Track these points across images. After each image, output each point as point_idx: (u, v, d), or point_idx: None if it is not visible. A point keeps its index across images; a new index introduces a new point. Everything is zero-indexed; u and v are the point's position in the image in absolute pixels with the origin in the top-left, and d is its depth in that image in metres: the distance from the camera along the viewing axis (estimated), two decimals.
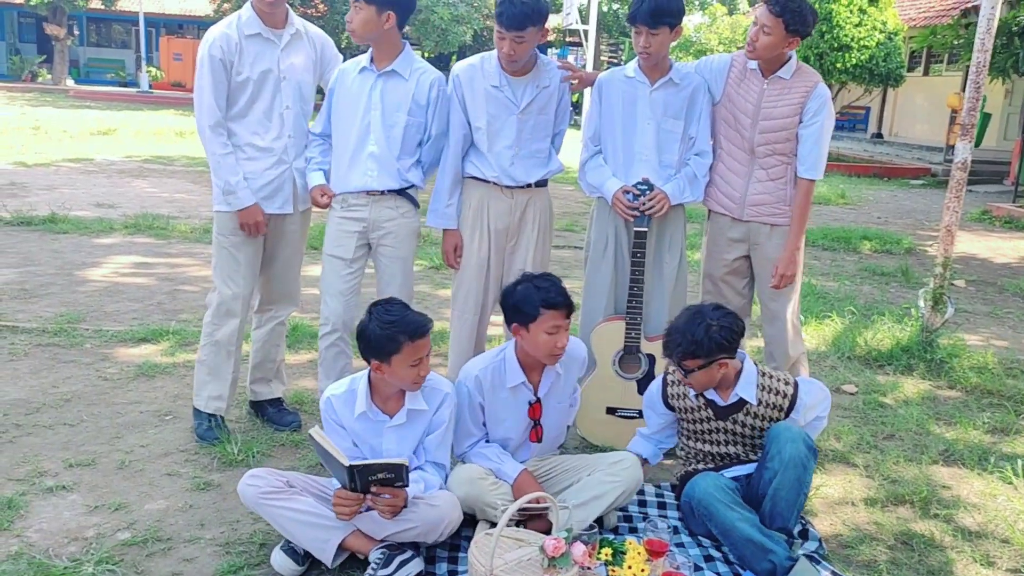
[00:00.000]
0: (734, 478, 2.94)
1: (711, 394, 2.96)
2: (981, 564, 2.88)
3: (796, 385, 2.99)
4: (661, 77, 3.43)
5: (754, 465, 2.96)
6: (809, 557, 2.74)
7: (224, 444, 3.42)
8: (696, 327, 2.82)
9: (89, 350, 4.50)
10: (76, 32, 33.31)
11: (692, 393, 2.97)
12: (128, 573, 2.58)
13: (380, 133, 3.36)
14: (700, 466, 3.06)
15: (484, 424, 3.01)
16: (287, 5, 3.45)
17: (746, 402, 2.94)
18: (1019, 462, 3.57)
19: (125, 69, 32.37)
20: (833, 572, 2.70)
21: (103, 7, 29.86)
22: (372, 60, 3.37)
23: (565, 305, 2.82)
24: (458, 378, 2.99)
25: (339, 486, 2.61)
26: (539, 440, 3.03)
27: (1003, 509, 3.27)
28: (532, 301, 2.81)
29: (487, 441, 3.03)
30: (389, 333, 2.61)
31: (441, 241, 3.59)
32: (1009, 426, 4.09)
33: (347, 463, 2.49)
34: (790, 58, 3.41)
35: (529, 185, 3.48)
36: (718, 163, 3.58)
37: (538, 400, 2.98)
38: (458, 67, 3.47)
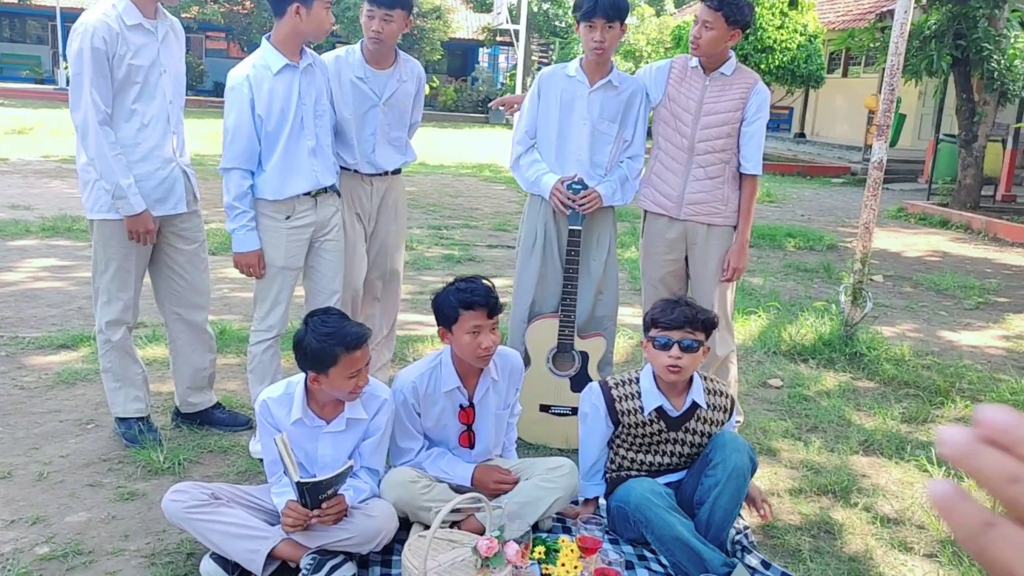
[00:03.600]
0: (667, 484, 2.92)
1: (664, 404, 2.88)
2: (899, 550, 2.99)
3: (732, 402, 3.02)
4: (601, 79, 3.48)
5: (684, 472, 2.95)
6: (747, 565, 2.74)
7: (149, 452, 3.33)
8: (704, 309, 2.88)
9: (4, 358, 4.33)
10: None
11: (645, 408, 2.88)
12: None
13: (312, 127, 3.35)
14: (632, 472, 3.00)
15: (424, 431, 3.00)
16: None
17: (698, 406, 2.89)
18: (934, 450, 3.72)
19: (41, 66, 31.17)
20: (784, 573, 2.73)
21: (17, 1, 28.70)
22: (284, 58, 3.28)
23: (484, 305, 2.79)
24: (394, 385, 2.97)
25: (280, 496, 2.60)
26: (471, 446, 3.02)
27: (919, 496, 3.41)
28: (451, 303, 2.81)
29: (430, 448, 3.02)
30: (325, 346, 2.58)
31: None
32: (924, 415, 4.25)
33: (296, 478, 2.46)
34: (731, 56, 3.50)
35: (387, 173, 3.72)
36: (655, 163, 3.64)
37: (471, 405, 2.97)
38: (325, 58, 3.56)
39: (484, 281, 2.86)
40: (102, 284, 3.35)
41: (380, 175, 3.71)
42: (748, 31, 3.55)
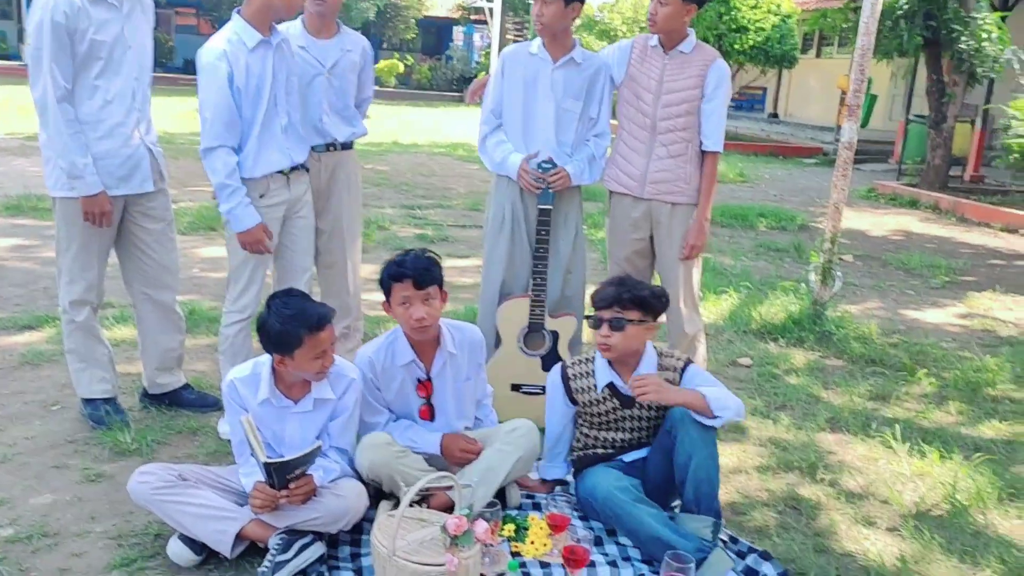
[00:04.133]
0: (631, 463, 2.94)
1: (616, 380, 2.91)
2: (863, 525, 3.04)
3: (688, 361, 2.97)
4: (564, 55, 3.47)
5: (648, 449, 2.95)
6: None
7: (117, 432, 3.29)
8: (641, 286, 2.88)
9: None
10: None
11: (598, 385, 2.92)
12: (12, 571, 2.47)
13: (284, 104, 3.33)
14: (598, 451, 3.01)
15: (387, 404, 3.00)
16: None
17: None
18: (898, 427, 3.78)
19: (6, 40, 30.49)
20: (757, 551, 2.73)
21: None
22: (258, 33, 3.23)
23: (410, 276, 2.77)
24: (354, 361, 2.97)
25: (248, 477, 2.60)
26: (431, 419, 3.02)
27: (883, 472, 3.46)
28: (383, 277, 2.84)
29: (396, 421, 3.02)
30: (289, 328, 2.56)
31: None
32: (889, 393, 4.32)
33: (263, 459, 2.45)
34: (689, 34, 3.51)
35: (337, 147, 3.72)
36: (619, 143, 3.64)
37: (428, 379, 2.97)
38: None
39: (423, 254, 2.83)
40: (65, 263, 3.30)
41: (329, 150, 3.71)
42: (704, 6, 3.57)
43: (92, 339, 3.39)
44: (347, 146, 3.79)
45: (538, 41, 3.53)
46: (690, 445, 2.72)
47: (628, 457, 2.98)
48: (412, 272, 2.78)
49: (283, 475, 2.47)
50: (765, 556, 2.70)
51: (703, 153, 3.57)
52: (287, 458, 2.49)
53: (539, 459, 3.09)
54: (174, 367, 3.63)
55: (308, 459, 2.52)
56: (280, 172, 3.34)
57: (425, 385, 2.97)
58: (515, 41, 27.13)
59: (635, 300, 2.81)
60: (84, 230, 3.24)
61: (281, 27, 3.50)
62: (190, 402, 3.63)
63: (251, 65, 3.20)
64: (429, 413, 3.01)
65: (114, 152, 3.19)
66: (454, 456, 2.90)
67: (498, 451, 2.89)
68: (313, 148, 3.65)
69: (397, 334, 2.96)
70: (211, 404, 3.61)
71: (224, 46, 3.17)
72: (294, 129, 3.39)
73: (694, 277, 3.70)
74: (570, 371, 3.00)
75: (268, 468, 2.45)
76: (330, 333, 2.65)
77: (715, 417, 2.71)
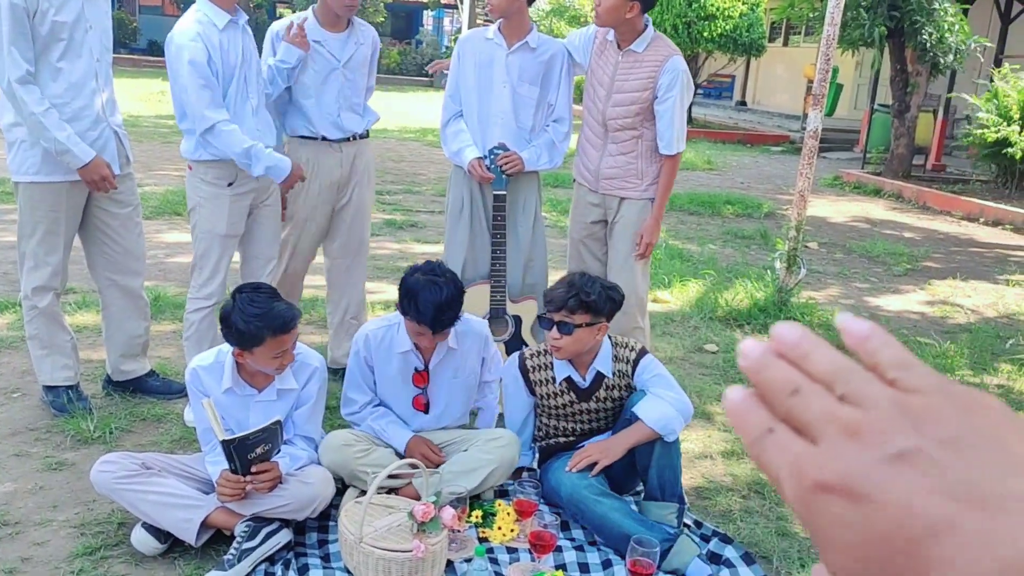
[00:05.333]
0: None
1: (572, 374, 2.91)
2: None
3: (641, 352, 2.96)
4: (519, 40, 3.46)
5: (609, 434, 2.96)
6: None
7: (80, 420, 3.25)
8: (591, 285, 2.81)
9: None
10: None
11: (557, 379, 2.93)
12: None
13: (254, 85, 3.31)
14: (560, 439, 3.03)
15: (375, 385, 2.99)
16: None
17: (604, 376, 2.91)
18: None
19: None
20: (720, 534, 2.78)
21: None
22: (226, 14, 3.20)
23: (428, 326, 2.76)
24: (356, 335, 2.98)
25: (213, 465, 2.59)
26: (425, 411, 3.01)
27: None
28: (401, 304, 2.81)
29: (377, 406, 3.01)
30: (253, 328, 2.53)
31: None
32: None
33: (222, 438, 2.43)
34: (645, 28, 3.39)
35: (355, 137, 3.67)
36: (582, 134, 3.64)
37: (426, 369, 2.96)
38: (277, 25, 3.54)
39: (444, 297, 2.71)
40: (29, 249, 3.24)
41: (348, 140, 3.66)
42: (650, 8, 3.36)
43: (55, 326, 3.34)
44: (364, 135, 3.75)
45: (494, 26, 3.51)
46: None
47: (590, 443, 3.00)
48: (430, 324, 2.73)
49: (243, 454, 2.45)
50: (726, 539, 2.75)
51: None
52: (244, 433, 2.47)
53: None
54: (139, 354, 3.59)
55: (267, 436, 2.48)
56: None
57: (422, 375, 2.96)
58: (484, 26, 27.03)
59: (583, 305, 2.77)
60: (48, 215, 3.18)
61: (293, 18, 3.49)
62: (155, 389, 3.59)
63: (223, 45, 3.19)
64: (424, 404, 3.00)
65: (80, 135, 3.12)
66: (414, 459, 2.87)
67: (477, 458, 2.85)
68: (332, 139, 3.61)
69: (401, 321, 2.91)
70: (176, 391, 3.58)
71: (196, 28, 3.15)
72: (262, 111, 3.36)
73: (639, 277, 3.59)
74: (529, 363, 2.99)
75: (228, 447, 2.43)
76: (294, 334, 2.63)
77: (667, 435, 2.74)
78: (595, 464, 2.80)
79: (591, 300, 2.77)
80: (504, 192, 3.46)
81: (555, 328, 2.81)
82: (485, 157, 3.44)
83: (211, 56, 3.15)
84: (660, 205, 3.56)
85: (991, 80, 10.82)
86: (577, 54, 3.59)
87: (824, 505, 0.34)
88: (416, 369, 2.95)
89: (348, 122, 3.64)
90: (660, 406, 2.77)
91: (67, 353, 3.38)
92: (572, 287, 2.81)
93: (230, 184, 3.28)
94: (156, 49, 25.28)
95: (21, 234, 3.25)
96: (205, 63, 3.13)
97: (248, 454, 2.46)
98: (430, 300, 2.67)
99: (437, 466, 2.85)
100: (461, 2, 21.22)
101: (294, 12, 28.79)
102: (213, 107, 3.15)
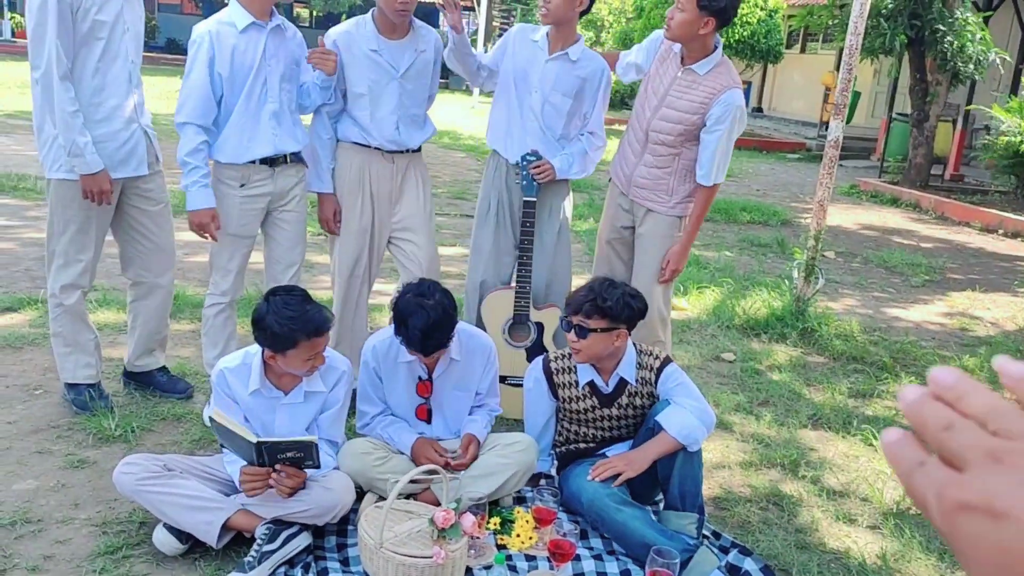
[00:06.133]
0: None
1: (595, 379, 2.92)
2: (844, 522, 3.08)
3: (667, 359, 2.95)
4: (560, 50, 3.44)
5: (630, 443, 2.97)
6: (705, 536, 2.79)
7: (101, 418, 3.27)
8: (610, 291, 2.81)
9: None
10: None
11: (580, 382, 2.94)
12: None
13: (276, 90, 3.28)
14: (580, 445, 3.03)
15: (385, 396, 3.00)
16: None
17: (627, 383, 2.92)
18: (879, 424, 3.83)
19: None
20: (739, 546, 2.77)
21: None
22: (251, 16, 3.20)
23: (418, 351, 2.78)
24: (364, 347, 2.98)
25: (232, 464, 2.58)
26: (428, 420, 3.02)
27: (864, 470, 3.51)
28: (397, 327, 2.78)
29: (387, 416, 3.02)
30: (287, 331, 2.54)
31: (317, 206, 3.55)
32: (870, 390, 4.37)
33: (254, 440, 2.44)
34: (715, 50, 3.29)
35: (410, 150, 3.49)
36: (624, 137, 3.62)
37: (429, 379, 2.97)
38: (334, 32, 3.42)
39: (432, 320, 2.68)
40: (59, 247, 3.26)
41: (402, 152, 3.49)
42: (725, 25, 3.25)
43: (80, 324, 3.37)
44: (418, 148, 3.57)
45: (544, 29, 3.49)
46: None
47: (611, 451, 3.00)
48: (420, 349, 2.74)
49: (273, 454, 2.47)
50: (745, 551, 2.74)
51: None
52: (277, 439, 2.49)
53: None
54: (156, 349, 3.63)
55: (300, 448, 2.50)
56: (264, 163, 3.31)
57: (426, 385, 2.97)
58: (502, 28, 27.02)
59: (599, 310, 2.77)
60: (80, 213, 3.21)
61: (352, 29, 3.36)
62: (160, 385, 3.62)
63: (238, 47, 3.18)
64: (427, 414, 3.01)
65: (112, 136, 3.17)
66: (419, 461, 2.85)
67: (495, 463, 2.86)
68: (384, 150, 3.45)
69: None
70: (179, 391, 3.60)
71: (212, 27, 3.17)
72: (286, 117, 3.33)
73: (661, 298, 3.55)
74: (553, 365, 3.00)
75: (259, 447, 2.44)
76: (326, 338, 2.64)
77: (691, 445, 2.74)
78: (618, 475, 2.80)
79: (607, 306, 2.78)
80: (534, 199, 3.45)
81: (573, 331, 2.83)
82: (517, 163, 3.44)
83: (216, 57, 3.16)
84: (690, 233, 3.51)
85: (1010, 91, 10.74)
86: (640, 55, 3.54)
87: (966, 523, 0.37)
88: (420, 379, 2.96)
89: (405, 137, 3.45)
90: (683, 416, 2.77)
91: (90, 351, 3.40)
92: (591, 291, 2.82)
93: (242, 185, 3.30)
94: (174, 47, 25.42)
95: (51, 231, 3.27)
96: (206, 64, 3.13)
97: (278, 455, 2.47)
98: (417, 326, 2.67)
99: (446, 467, 2.85)
100: (478, 3, 21.22)
101: (311, 13, 28.74)
102: (191, 106, 3.16)
